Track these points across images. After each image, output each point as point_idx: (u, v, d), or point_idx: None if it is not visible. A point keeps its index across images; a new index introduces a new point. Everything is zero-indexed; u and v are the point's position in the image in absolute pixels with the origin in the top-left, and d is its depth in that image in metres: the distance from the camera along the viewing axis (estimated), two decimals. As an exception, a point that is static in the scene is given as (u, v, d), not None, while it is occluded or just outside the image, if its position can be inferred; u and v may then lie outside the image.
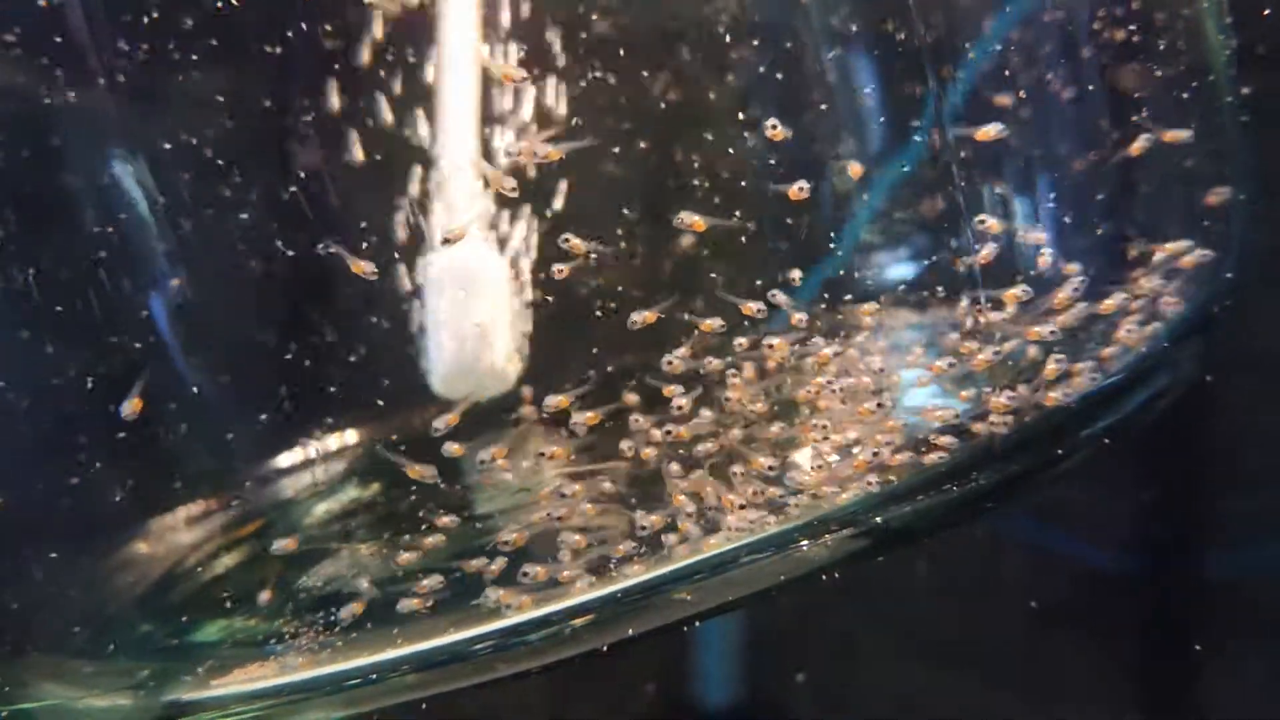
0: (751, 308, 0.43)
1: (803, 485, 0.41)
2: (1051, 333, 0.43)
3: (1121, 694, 0.63)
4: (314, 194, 0.45)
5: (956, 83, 0.43)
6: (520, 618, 0.40)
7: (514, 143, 0.46)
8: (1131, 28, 0.44)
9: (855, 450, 0.42)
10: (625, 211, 0.48)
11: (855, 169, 0.44)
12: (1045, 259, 0.44)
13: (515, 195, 0.43)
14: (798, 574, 0.41)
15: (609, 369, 0.47)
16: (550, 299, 0.47)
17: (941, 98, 0.43)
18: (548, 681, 0.58)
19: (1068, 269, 0.44)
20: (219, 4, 0.42)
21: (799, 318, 0.44)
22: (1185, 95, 0.46)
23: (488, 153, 0.46)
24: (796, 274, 0.45)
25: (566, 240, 0.42)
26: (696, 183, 0.47)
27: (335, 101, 0.46)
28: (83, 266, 0.42)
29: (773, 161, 0.46)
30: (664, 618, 0.40)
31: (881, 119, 0.46)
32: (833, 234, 0.46)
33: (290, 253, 0.46)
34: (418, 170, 0.47)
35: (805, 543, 0.41)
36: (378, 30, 0.45)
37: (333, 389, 0.48)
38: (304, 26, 0.44)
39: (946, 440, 0.42)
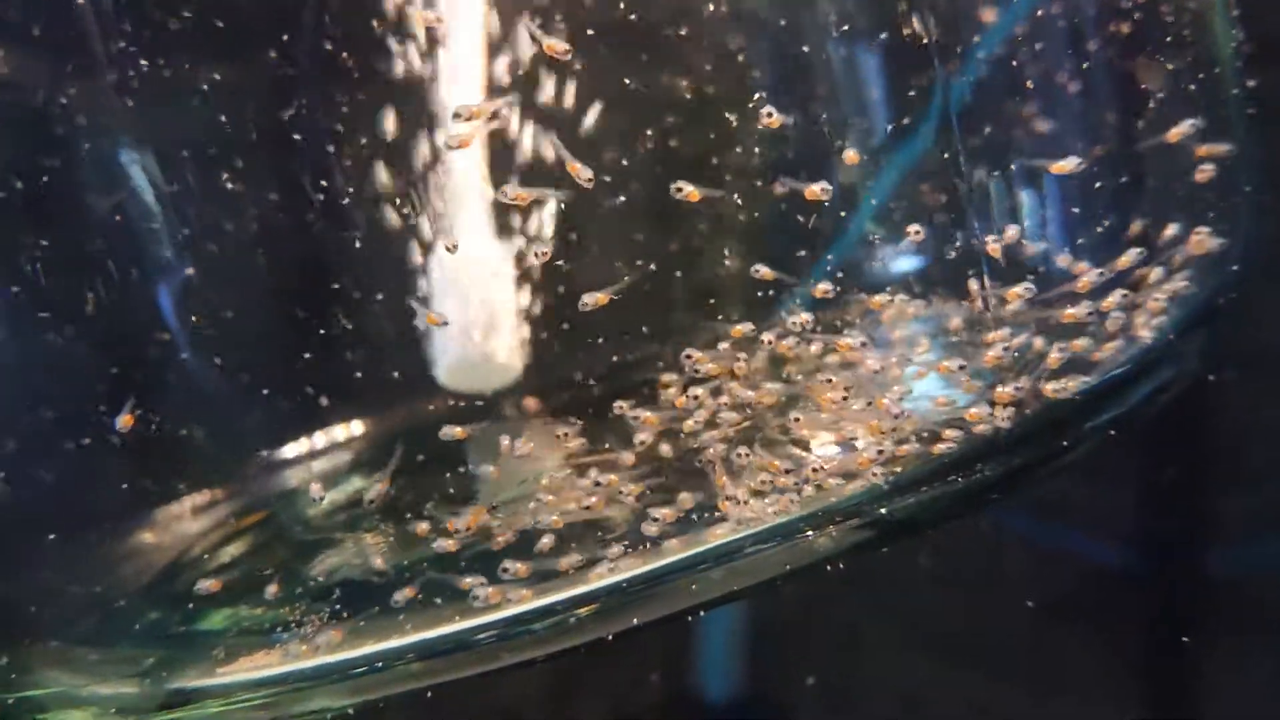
0: (815, 189, 0.42)
1: (815, 476, 0.42)
2: (1090, 314, 0.43)
3: (1125, 689, 0.63)
4: (322, 185, 0.45)
5: (963, 74, 0.43)
6: (525, 607, 0.40)
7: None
8: (1137, 19, 0.45)
9: (862, 443, 0.43)
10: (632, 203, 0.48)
11: (852, 156, 0.44)
12: (1051, 252, 0.44)
13: (591, 185, 0.41)
14: (802, 564, 0.41)
15: (614, 359, 0.47)
16: (558, 291, 0.47)
17: (949, 88, 0.43)
18: (553, 670, 0.58)
19: (1077, 267, 0.44)
20: None
21: (825, 288, 0.43)
22: (1192, 87, 0.46)
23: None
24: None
25: (679, 189, 0.41)
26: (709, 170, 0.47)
27: (344, 94, 0.46)
28: (90, 253, 0.42)
29: (788, 155, 0.46)
30: (668, 607, 0.40)
31: (890, 110, 0.46)
32: (840, 224, 0.46)
33: (298, 244, 0.46)
34: (426, 163, 0.47)
35: (810, 533, 0.41)
36: (387, 19, 0.45)
37: (339, 380, 0.48)
38: (312, 16, 0.44)
39: (951, 432, 0.42)
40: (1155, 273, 0.45)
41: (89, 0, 0.41)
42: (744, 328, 0.44)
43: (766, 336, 0.44)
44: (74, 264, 0.42)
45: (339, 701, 0.40)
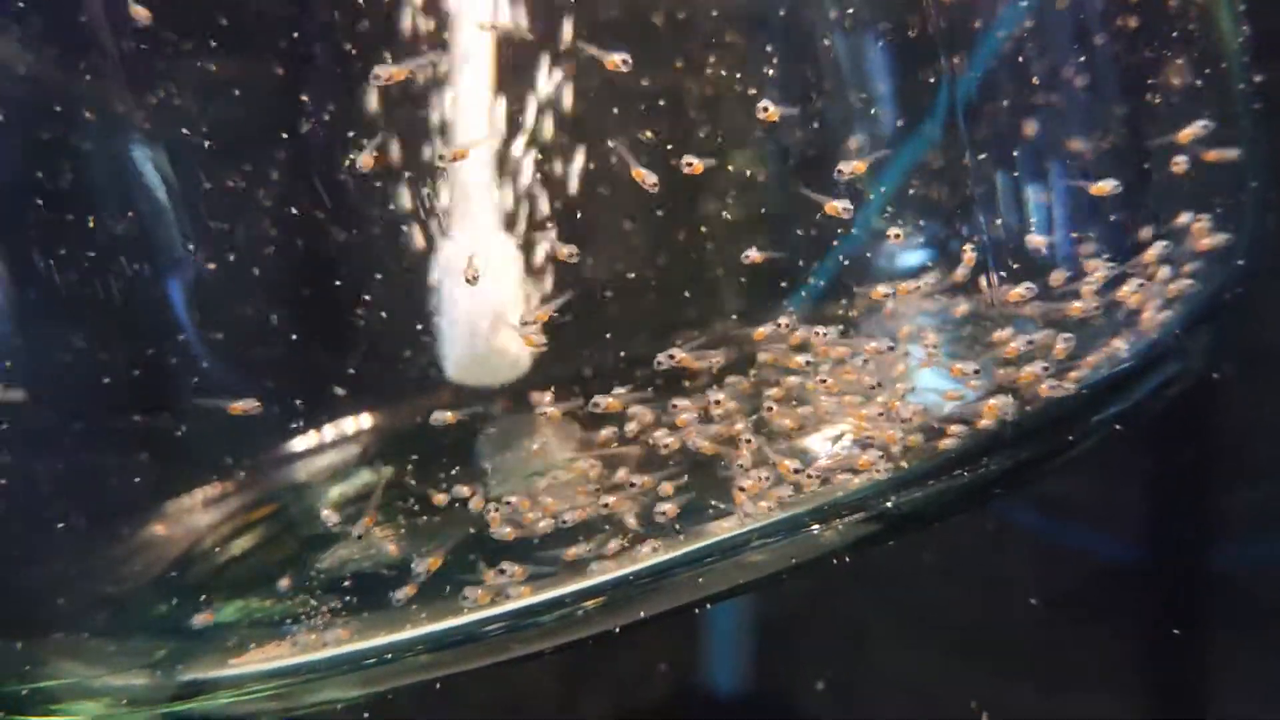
0: (837, 206, 0.42)
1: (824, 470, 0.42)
2: (1096, 308, 0.43)
3: (1130, 683, 0.63)
4: (331, 180, 0.45)
5: (969, 69, 0.44)
6: (533, 599, 0.40)
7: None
8: (1144, 14, 0.45)
9: (871, 437, 0.43)
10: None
11: (858, 165, 0.44)
12: (1056, 246, 0.44)
13: (656, 190, 0.41)
14: (808, 558, 0.41)
15: (622, 354, 0.47)
16: (566, 284, 0.48)
17: (955, 84, 0.43)
18: (562, 661, 0.58)
19: (1090, 264, 0.44)
20: None
21: (839, 207, 0.43)
22: (1198, 82, 0.46)
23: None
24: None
25: (690, 165, 0.41)
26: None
27: (353, 88, 0.46)
28: (100, 249, 0.42)
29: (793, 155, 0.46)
30: (675, 600, 0.41)
31: (896, 105, 0.46)
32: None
33: (306, 238, 0.46)
34: (434, 157, 0.47)
35: (816, 527, 0.41)
36: (400, 16, 0.45)
37: (348, 374, 0.48)
38: (321, 11, 0.44)
39: (957, 427, 0.42)
40: (1162, 271, 0.45)
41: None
42: (765, 329, 0.45)
43: (771, 328, 0.44)
44: (84, 256, 0.43)
45: (349, 693, 0.40)
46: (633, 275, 0.48)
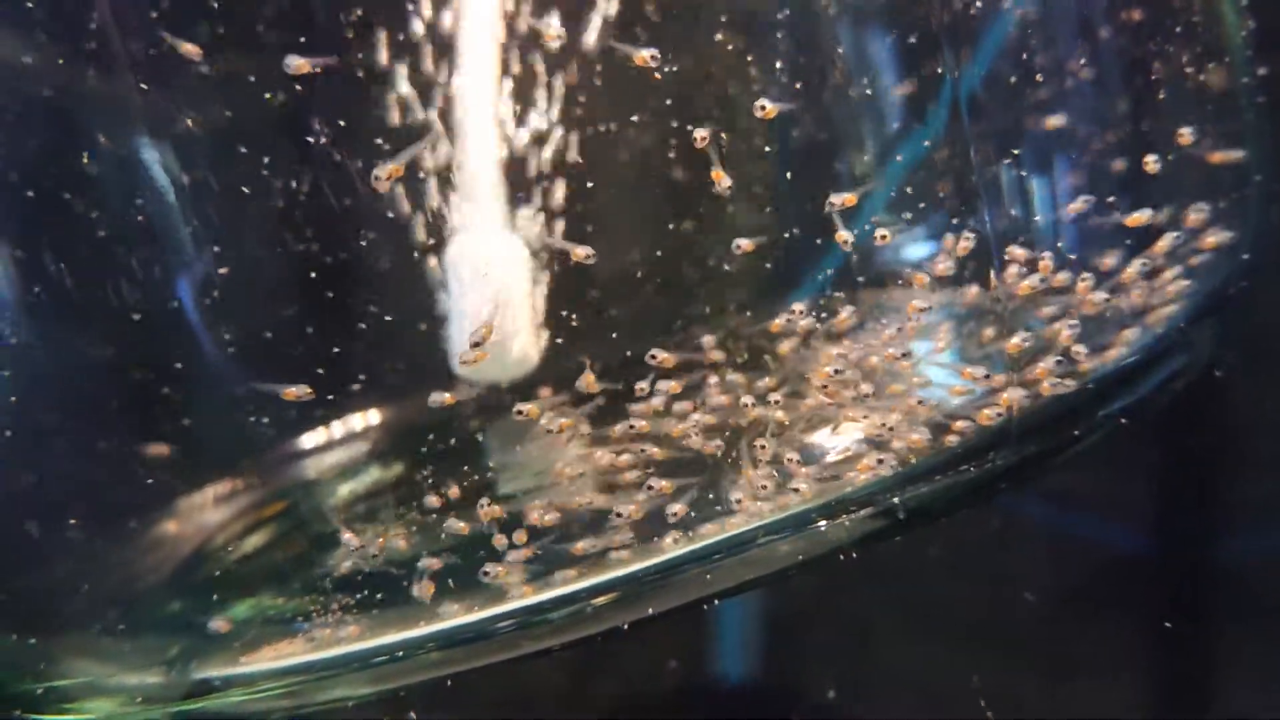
0: (845, 235, 0.43)
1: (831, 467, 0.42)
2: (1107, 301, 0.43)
3: (1136, 677, 0.63)
4: (339, 177, 0.45)
5: (973, 63, 0.44)
6: (542, 596, 0.40)
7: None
8: (1147, 7, 0.45)
9: (880, 432, 0.43)
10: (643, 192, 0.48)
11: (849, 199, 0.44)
12: (1064, 240, 0.44)
13: (729, 192, 0.42)
14: (816, 554, 0.42)
15: (628, 352, 0.47)
16: (573, 282, 0.48)
17: (959, 78, 0.43)
18: (571, 657, 0.58)
19: (1102, 262, 0.45)
20: None
21: (844, 238, 0.43)
22: (1202, 77, 0.46)
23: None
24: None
25: (715, 175, 0.41)
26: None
27: (361, 84, 0.46)
28: (110, 246, 0.43)
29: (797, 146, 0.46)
30: (683, 596, 0.41)
31: (902, 99, 0.46)
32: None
33: (315, 236, 0.46)
34: (442, 153, 0.47)
35: (823, 523, 0.41)
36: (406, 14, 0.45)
37: (356, 371, 0.48)
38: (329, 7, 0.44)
39: (963, 423, 0.42)
40: (1168, 265, 0.45)
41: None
42: (779, 320, 0.45)
43: (780, 321, 0.45)
44: (92, 257, 0.43)
45: (360, 690, 0.41)
46: (640, 275, 0.49)
